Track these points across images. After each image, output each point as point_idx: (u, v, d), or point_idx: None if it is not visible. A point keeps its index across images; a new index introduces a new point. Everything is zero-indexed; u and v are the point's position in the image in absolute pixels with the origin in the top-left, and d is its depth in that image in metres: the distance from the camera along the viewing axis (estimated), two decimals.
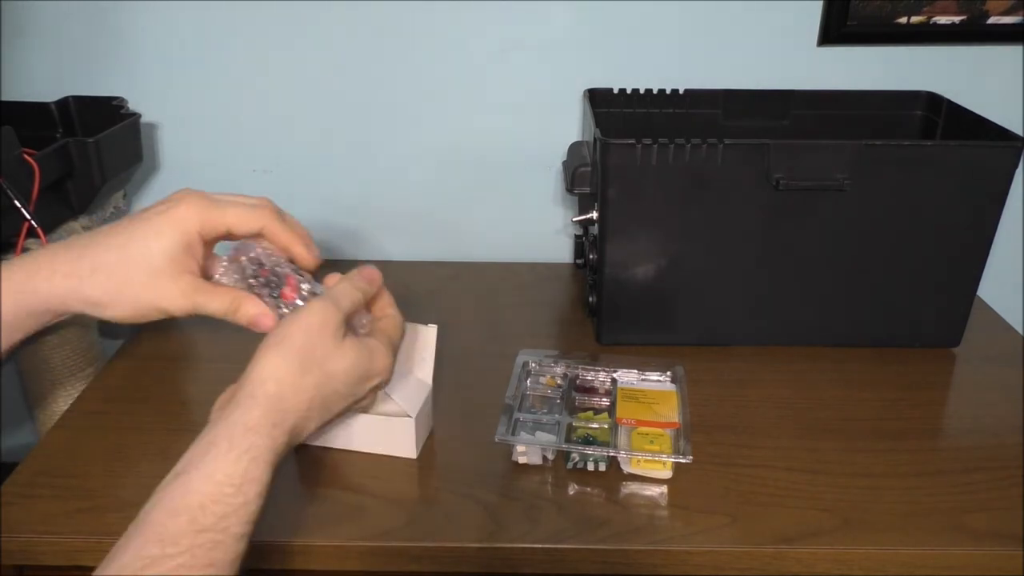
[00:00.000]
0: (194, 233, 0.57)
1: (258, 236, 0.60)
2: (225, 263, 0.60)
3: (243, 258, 0.60)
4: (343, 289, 0.59)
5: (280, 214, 0.60)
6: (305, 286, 0.61)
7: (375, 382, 0.60)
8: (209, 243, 0.59)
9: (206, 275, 0.60)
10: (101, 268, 0.55)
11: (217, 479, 0.48)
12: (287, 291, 0.60)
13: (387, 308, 0.63)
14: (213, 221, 0.57)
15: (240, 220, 0.58)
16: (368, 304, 0.63)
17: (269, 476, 0.50)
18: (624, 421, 0.69)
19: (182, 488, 0.47)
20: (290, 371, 0.53)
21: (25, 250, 0.77)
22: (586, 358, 0.77)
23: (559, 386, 0.73)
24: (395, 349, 0.62)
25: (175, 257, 0.56)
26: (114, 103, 0.93)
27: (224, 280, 0.59)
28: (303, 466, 0.67)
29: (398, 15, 0.94)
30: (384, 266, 0.63)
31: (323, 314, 0.55)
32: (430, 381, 0.68)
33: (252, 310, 0.58)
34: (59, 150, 0.81)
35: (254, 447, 0.49)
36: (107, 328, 1.05)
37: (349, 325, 0.59)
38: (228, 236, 0.59)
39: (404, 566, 0.60)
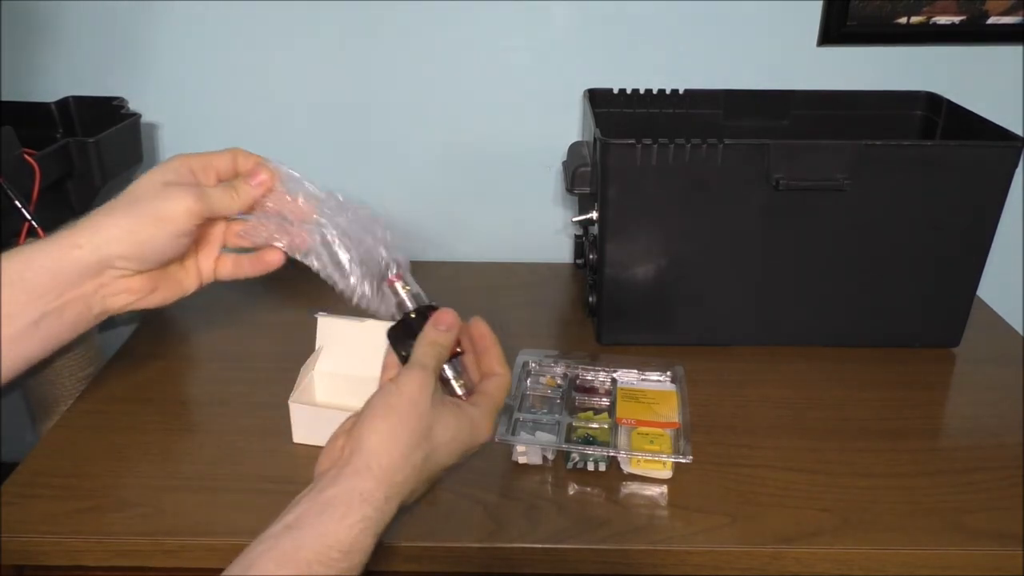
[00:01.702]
0: (182, 163, 0.57)
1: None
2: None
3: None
4: (424, 351, 0.55)
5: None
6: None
7: (473, 452, 0.58)
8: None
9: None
10: (111, 208, 0.55)
11: (328, 542, 0.47)
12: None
13: (496, 366, 0.59)
14: (191, 158, 0.58)
15: (212, 154, 0.58)
16: (477, 357, 0.59)
17: (372, 548, 0.49)
18: (624, 421, 0.69)
19: (293, 543, 0.47)
20: (400, 445, 0.51)
21: None
22: (586, 358, 0.77)
23: (559, 386, 0.73)
24: (498, 413, 0.58)
25: (176, 172, 0.56)
26: (114, 103, 0.93)
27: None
28: (304, 466, 0.67)
29: (398, 15, 0.94)
30: None
31: (421, 382, 0.53)
32: None
33: (249, 186, 0.57)
34: (59, 150, 0.81)
35: (367, 518, 0.49)
36: (107, 327, 1.05)
37: (446, 377, 0.57)
38: (216, 173, 0.59)
39: (403, 566, 0.61)
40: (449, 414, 0.54)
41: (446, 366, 0.57)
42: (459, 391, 0.57)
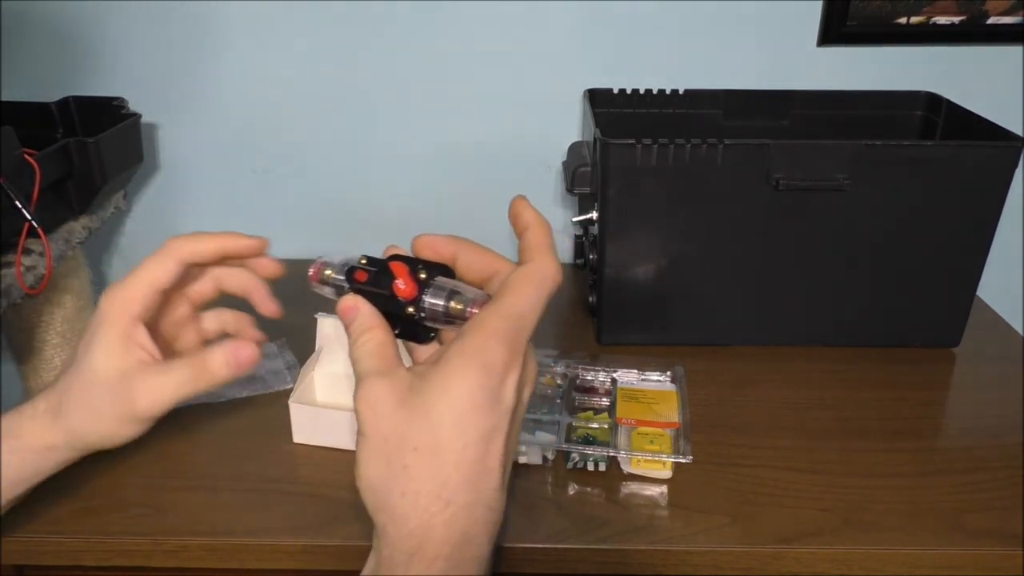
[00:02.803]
0: (118, 320, 0.51)
1: (191, 293, 0.55)
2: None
3: None
4: (355, 361, 0.43)
5: (187, 236, 0.52)
6: None
7: (514, 379, 0.41)
8: (171, 308, 0.55)
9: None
10: (103, 402, 0.51)
11: None
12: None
13: (530, 253, 0.42)
14: (133, 295, 0.51)
15: (154, 274, 0.51)
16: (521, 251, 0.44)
17: None
18: (624, 421, 0.69)
19: None
20: (381, 475, 0.39)
21: (26, 251, 0.77)
22: (586, 358, 0.77)
23: (559, 386, 0.73)
24: (513, 317, 0.41)
25: (110, 360, 0.51)
26: (114, 103, 0.93)
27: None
28: (304, 466, 0.67)
29: (398, 15, 0.94)
30: None
31: (362, 399, 0.40)
32: None
33: (219, 357, 0.51)
34: (59, 150, 0.81)
35: None
36: None
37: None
38: (168, 296, 0.54)
39: None
40: (428, 392, 0.39)
41: (427, 296, 0.43)
42: (471, 309, 0.42)
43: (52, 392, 0.53)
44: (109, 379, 0.50)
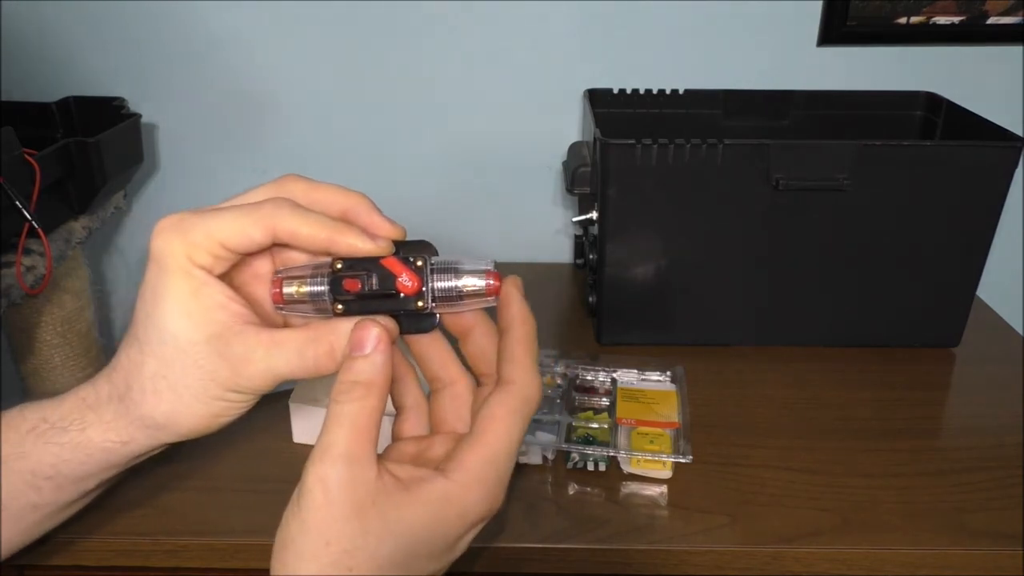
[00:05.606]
0: (185, 270, 0.39)
1: (275, 251, 0.42)
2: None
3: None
4: (331, 423, 0.37)
5: (295, 207, 0.40)
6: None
7: (476, 530, 0.39)
8: (245, 266, 0.42)
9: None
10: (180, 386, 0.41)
11: None
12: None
13: (509, 370, 0.41)
14: (199, 243, 0.39)
15: (231, 232, 0.39)
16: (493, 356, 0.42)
17: None
18: (624, 421, 0.69)
19: None
20: None
21: (26, 251, 0.77)
22: (586, 358, 0.77)
23: (559, 386, 0.73)
24: (504, 461, 0.39)
25: (190, 320, 0.39)
26: (114, 103, 0.93)
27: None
28: (304, 465, 0.67)
29: (398, 15, 0.94)
30: None
31: (323, 469, 0.37)
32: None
33: (335, 339, 0.39)
34: (59, 150, 0.81)
35: None
36: (107, 329, 1.05)
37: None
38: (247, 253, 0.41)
39: None
40: (390, 518, 0.36)
41: (436, 282, 0.40)
42: (485, 282, 0.40)
43: (115, 371, 0.42)
44: (195, 346, 0.39)
